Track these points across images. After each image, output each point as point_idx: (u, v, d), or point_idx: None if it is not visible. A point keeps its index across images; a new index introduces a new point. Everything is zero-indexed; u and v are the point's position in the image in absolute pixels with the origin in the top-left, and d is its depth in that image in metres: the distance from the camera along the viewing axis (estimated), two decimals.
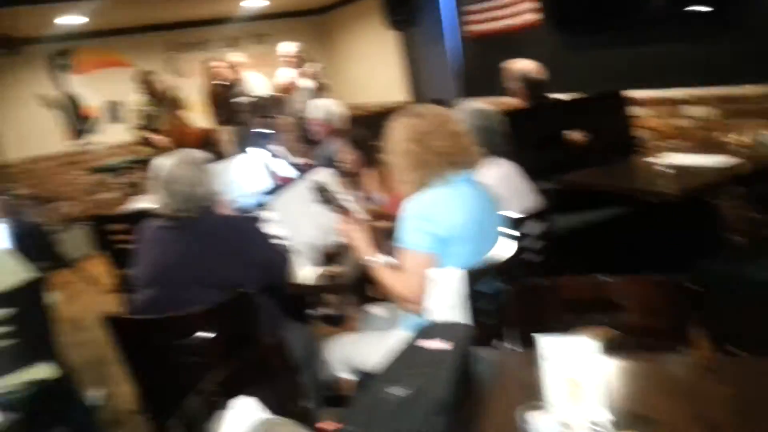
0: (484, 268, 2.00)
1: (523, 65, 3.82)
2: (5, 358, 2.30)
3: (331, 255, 2.48)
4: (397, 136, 2.06)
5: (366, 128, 3.50)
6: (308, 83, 6.28)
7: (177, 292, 2.14)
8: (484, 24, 5.91)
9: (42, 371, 2.41)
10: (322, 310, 3.48)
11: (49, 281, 3.09)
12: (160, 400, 2.10)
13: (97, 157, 7.27)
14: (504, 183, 2.46)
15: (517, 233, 2.19)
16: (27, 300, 2.37)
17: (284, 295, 2.49)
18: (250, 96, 6.05)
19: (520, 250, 2.16)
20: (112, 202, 6.84)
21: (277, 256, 2.40)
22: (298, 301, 2.77)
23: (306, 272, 2.48)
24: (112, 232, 3.60)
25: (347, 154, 3.39)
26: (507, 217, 2.18)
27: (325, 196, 2.28)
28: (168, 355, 2.01)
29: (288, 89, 6.34)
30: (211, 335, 2.00)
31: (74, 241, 5.64)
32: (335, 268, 2.47)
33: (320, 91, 6.31)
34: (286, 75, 6.37)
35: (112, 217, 3.93)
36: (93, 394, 3.05)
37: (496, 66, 4.03)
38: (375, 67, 7.66)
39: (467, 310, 1.94)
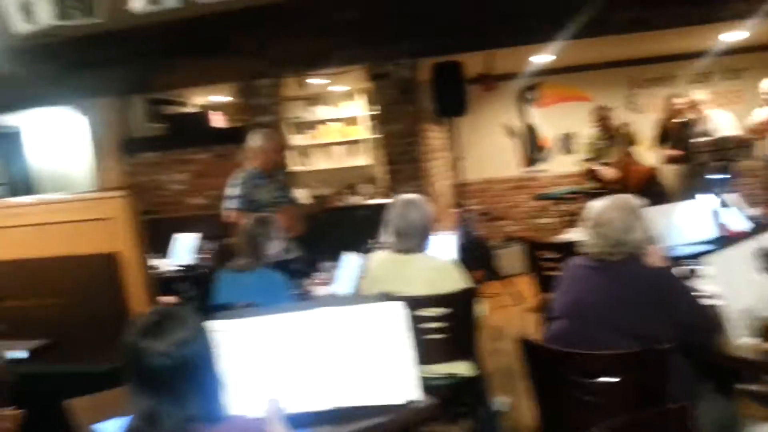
0: None
1: None
2: (436, 349, 2.67)
3: None
4: None
5: None
6: None
7: (588, 331, 2.13)
8: None
9: (462, 368, 2.73)
10: (756, 387, 3.00)
11: (480, 291, 3.48)
12: (557, 426, 2.14)
13: (543, 185, 7.74)
14: None
15: None
16: (461, 304, 2.71)
17: (706, 361, 2.25)
18: (711, 136, 5.57)
19: None
20: (549, 228, 7.20)
21: (702, 320, 2.17)
22: (724, 371, 2.45)
23: (739, 342, 2.17)
24: (543, 258, 3.80)
25: None
26: None
27: None
28: (569, 387, 2.02)
29: (762, 131, 5.63)
30: (614, 381, 1.94)
31: (509, 258, 6.15)
32: None
33: None
34: (763, 115, 5.66)
35: (545, 244, 4.15)
36: (499, 400, 3.29)
37: None
38: None
39: None
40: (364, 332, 1.91)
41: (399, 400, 1.89)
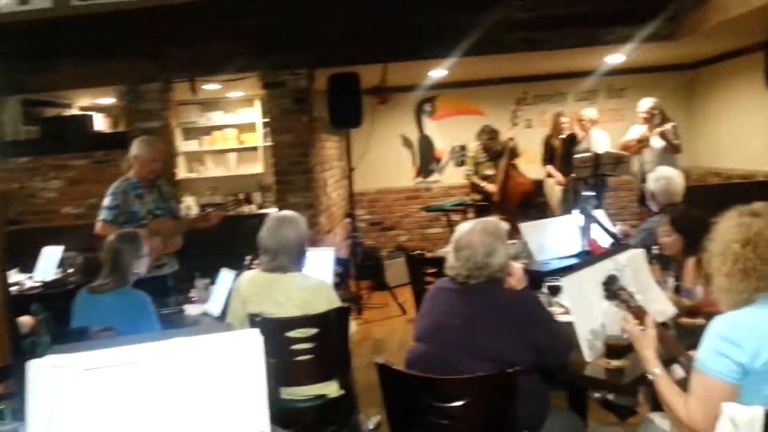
0: None
1: None
2: (306, 370, 2.63)
3: (616, 347, 2.22)
4: (724, 234, 1.74)
5: (704, 205, 3.05)
6: (659, 142, 5.85)
7: (446, 354, 2.15)
8: None
9: (330, 388, 2.69)
10: (603, 395, 3.16)
11: (363, 304, 3.47)
12: None
13: (436, 195, 7.92)
14: None
15: None
16: (331, 325, 2.67)
17: (558, 380, 2.34)
18: (591, 152, 5.85)
19: None
20: (440, 238, 7.35)
21: (557, 343, 2.22)
22: (575, 387, 2.56)
23: (589, 360, 2.26)
24: (424, 272, 3.85)
25: (665, 236, 3.01)
26: None
27: (613, 290, 2.08)
28: (423, 410, 2.03)
29: (635, 147, 6.01)
30: (465, 404, 1.96)
31: (397, 268, 6.19)
32: (617, 362, 2.21)
33: (670, 151, 5.83)
34: (637, 132, 6.04)
35: (422, 258, 4.19)
36: (367, 418, 3.28)
37: None
38: (745, 131, 6.69)
39: None
40: (213, 364, 1.80)
41: None
